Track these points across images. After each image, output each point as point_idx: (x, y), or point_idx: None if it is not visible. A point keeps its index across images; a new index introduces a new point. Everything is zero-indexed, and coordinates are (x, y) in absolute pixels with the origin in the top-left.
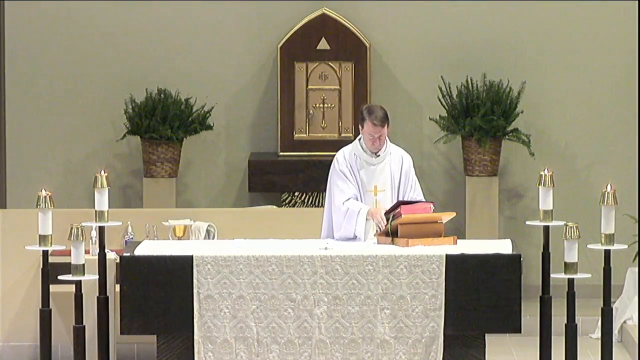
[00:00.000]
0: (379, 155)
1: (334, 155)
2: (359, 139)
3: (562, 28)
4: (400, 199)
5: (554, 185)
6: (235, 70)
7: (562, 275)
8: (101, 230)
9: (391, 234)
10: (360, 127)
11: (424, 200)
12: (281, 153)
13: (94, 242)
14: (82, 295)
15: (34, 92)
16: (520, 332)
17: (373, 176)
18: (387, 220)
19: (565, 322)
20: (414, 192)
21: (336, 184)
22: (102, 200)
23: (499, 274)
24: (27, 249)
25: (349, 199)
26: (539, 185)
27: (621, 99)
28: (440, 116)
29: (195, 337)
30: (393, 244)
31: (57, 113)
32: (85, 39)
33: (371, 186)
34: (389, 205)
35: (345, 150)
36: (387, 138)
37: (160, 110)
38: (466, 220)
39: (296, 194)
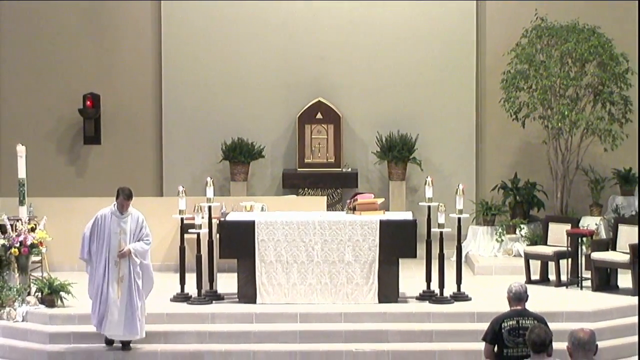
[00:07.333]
0: (123, 214)
1: (326, 171)
2: (114, 205)
3: (436, 102)
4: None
5: (433, 185)
6: (276, 128)
7: (437, 230)
8: (210, 207)
9: (353, 209)
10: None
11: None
12: (299, 169)
13: (206, 212)
14: (200, 240)
15: (180, 141)
16: (415, 257)
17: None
18: (352, 201)
19: (438, 252)
20: (144, 235)
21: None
22: (210, 193)
23: (405, 229)
24: (173, 217)
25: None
26: (425, 185)
27: (465, 140)
28: (377, 151)
29: (256, 260)
30: (354, 214)
31: (188, 147)
32: (200, 109)
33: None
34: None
35: (104, 211)
36: (130, 206)
37: (238, 148)
38: (389, 203)
39: (306, 189)
